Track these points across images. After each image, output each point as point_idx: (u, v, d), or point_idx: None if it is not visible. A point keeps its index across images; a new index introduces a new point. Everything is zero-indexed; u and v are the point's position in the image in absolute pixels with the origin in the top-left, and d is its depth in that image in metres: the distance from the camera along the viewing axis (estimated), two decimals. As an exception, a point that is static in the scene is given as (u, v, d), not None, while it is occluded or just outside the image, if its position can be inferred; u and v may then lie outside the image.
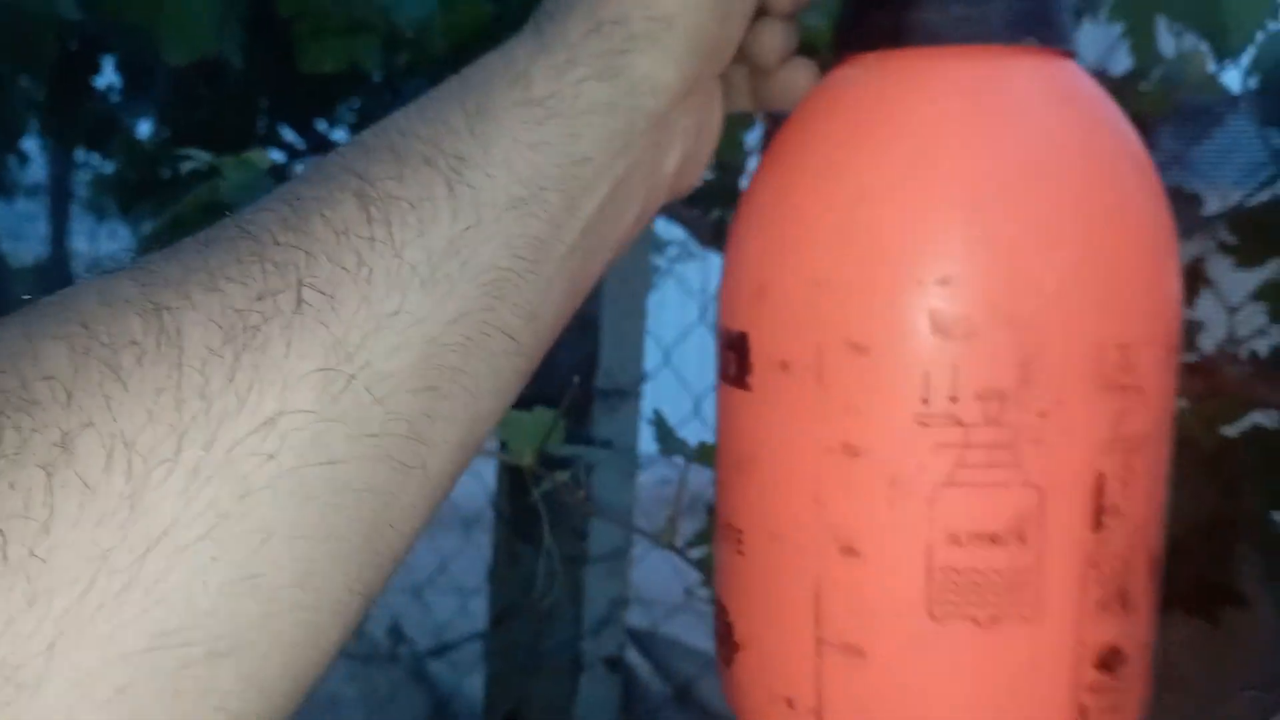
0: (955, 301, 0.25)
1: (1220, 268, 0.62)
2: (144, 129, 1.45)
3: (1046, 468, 0.25)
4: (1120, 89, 0.60)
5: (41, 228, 2.51)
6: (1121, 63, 0.64)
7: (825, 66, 0.30)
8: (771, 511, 0.27)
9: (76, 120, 1.43)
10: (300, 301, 0.21)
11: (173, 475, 0.19)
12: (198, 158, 0.73)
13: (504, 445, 0.54)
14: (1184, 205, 0.64)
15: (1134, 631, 0.27)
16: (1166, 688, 0.70)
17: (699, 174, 0.29)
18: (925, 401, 0.25)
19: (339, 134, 1.39)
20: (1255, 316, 0.62)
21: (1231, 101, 0.65)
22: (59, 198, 2.26)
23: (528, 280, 0.24)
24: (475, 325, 0.23)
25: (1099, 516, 0.25)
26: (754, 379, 0.27)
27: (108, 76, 1.40)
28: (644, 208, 0.27)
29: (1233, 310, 0.62)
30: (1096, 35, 0.67)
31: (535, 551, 0.71)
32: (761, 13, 0.29)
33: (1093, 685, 0.26)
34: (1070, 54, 0.28)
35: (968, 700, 0.26)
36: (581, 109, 0.25)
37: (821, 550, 0.26)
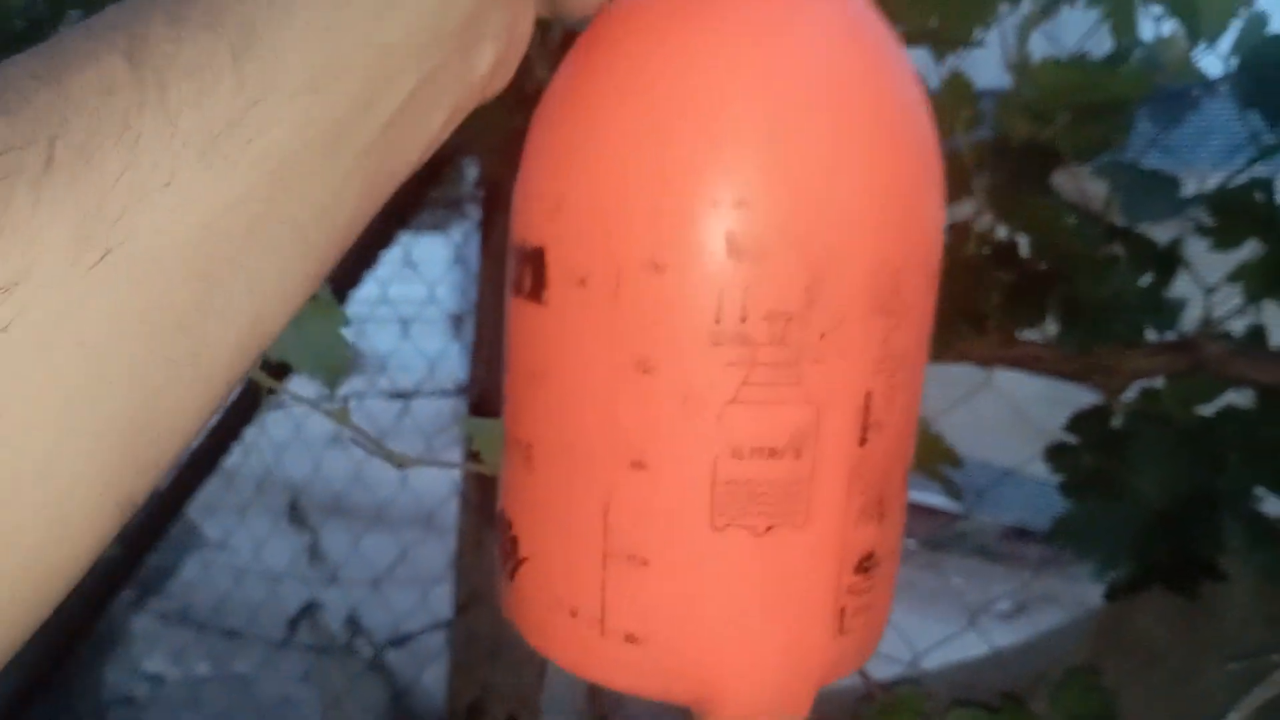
0: (750, 224, 0.25)
1: (1197, 249, 0.63)
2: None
3: (824, 386, 0.26)
4: (1102, 72, 0.61)
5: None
6: (1101, 46, 0.65)
7: None
8: (563, 426, 0.27)
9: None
10: (51, 160, 0.19)
11: None
12: None
13: (475, 455, 0.52)
14: (1162, 187, 0.65)
15: (887, 536, 0.28)
16: (1140, 663, 0.71)
17: (508, 77, 0.28)
18: (718, 321, 0.25)
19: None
20: (1232, 297, 0.63)
21: (1209, 86, 0.66)
22: None
23: (321, 172, 0.23)
24: (259, 213, 0.21)
25: (865, 431, 0.27)
26: (550, 294, 0.27)
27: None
28: (453, 110, 0.26)
29: (1210, 291, 0.63)
30: (1075, 19, 0.67)
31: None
32: None
33: (851, 588, 0.28)
34: None
35: (742, 605, 0.27)
36: None
37: (612, 464, 0.27)
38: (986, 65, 0.70)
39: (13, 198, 0.18)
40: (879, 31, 0.28)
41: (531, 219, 0.28)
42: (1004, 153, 0.57)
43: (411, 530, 1.40)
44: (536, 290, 0.28)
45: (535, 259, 0.28)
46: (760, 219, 0.25)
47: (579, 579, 0.28)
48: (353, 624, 1.30)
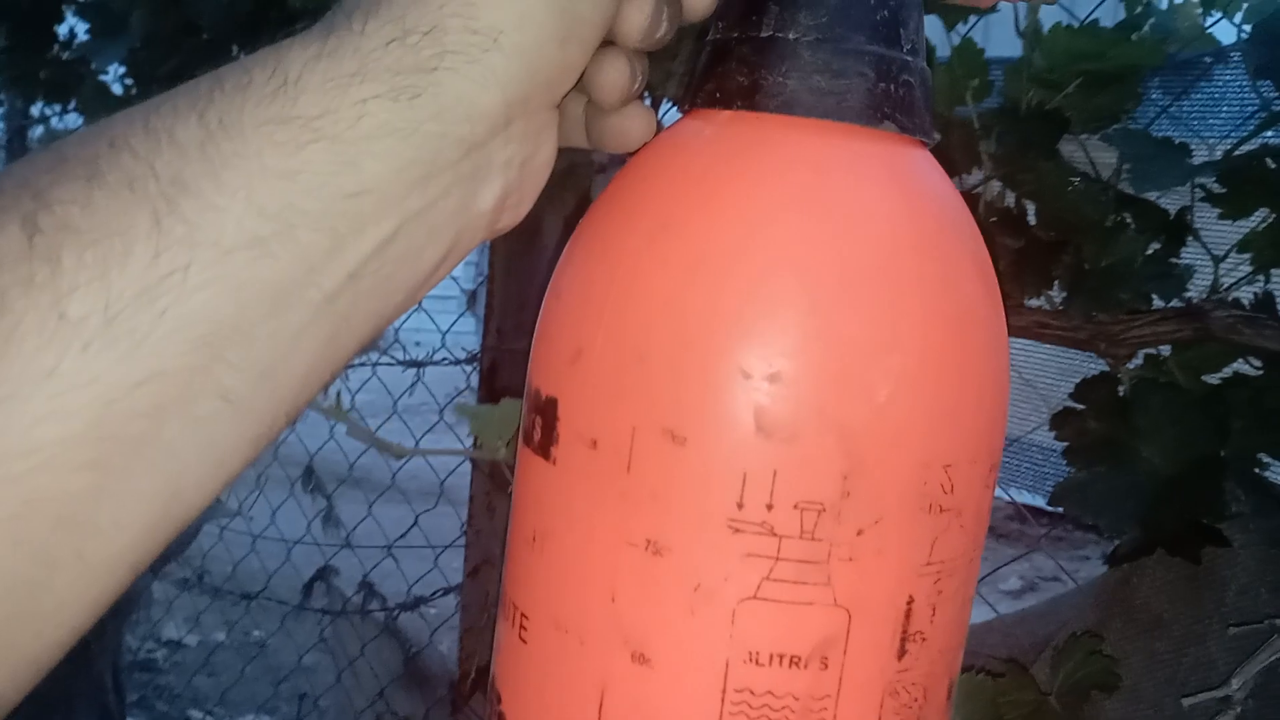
0: (783, 400, 0.23)
1: (1208, 217, 0.63)
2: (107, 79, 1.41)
3: (857, 589, 0.23)
4: (1113, 40, 0.61)
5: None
6: (1114, 15, 0.65)
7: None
8: (561, 600, 0.25)
9: (38, 70, 1.38)
10: None
11: None
12: None
13: (476, 442, 0.52)
14: (1172, 156, 0.65)
15: None
16: (1143, 630, 0.71)
17: (524, 211, 0.26)
18: (740, 505, 0.23)
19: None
20: (1241, 266, 0.63)
21: (1220, 54, 0.66)
22: (18, 152, 2.21)
23: (260, 334, 0.20)
24: (175, 389, 0.20)
25: (904, 643, 0.24)
26: (559, 451, 0.25)
27: (68, 28, 1.36)
28: (453, 247, 0.24)
29: (1219, 259, 0.63)
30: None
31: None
32: (608, 43, 0.25)
33: None
34: (926, 145, 0.26)
35: None
36: (364, 133, 0.21)
37: (611, 652, 0.24)
38: (1000, 34, 0.70)
39: None
40: (946, 195, 0.26)
41: (547, 364, 0.26)
42: (1012, 119, 0.57)
43: (423, 501, 1.42)
44: (545, 445, 0.25)
45: (547, 410, 0.25)
46: (795, 396, 0.23)
47: None
48: (367, 588, 1.32)
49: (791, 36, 0.25)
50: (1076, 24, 0.63)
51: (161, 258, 0.19)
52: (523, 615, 0.26)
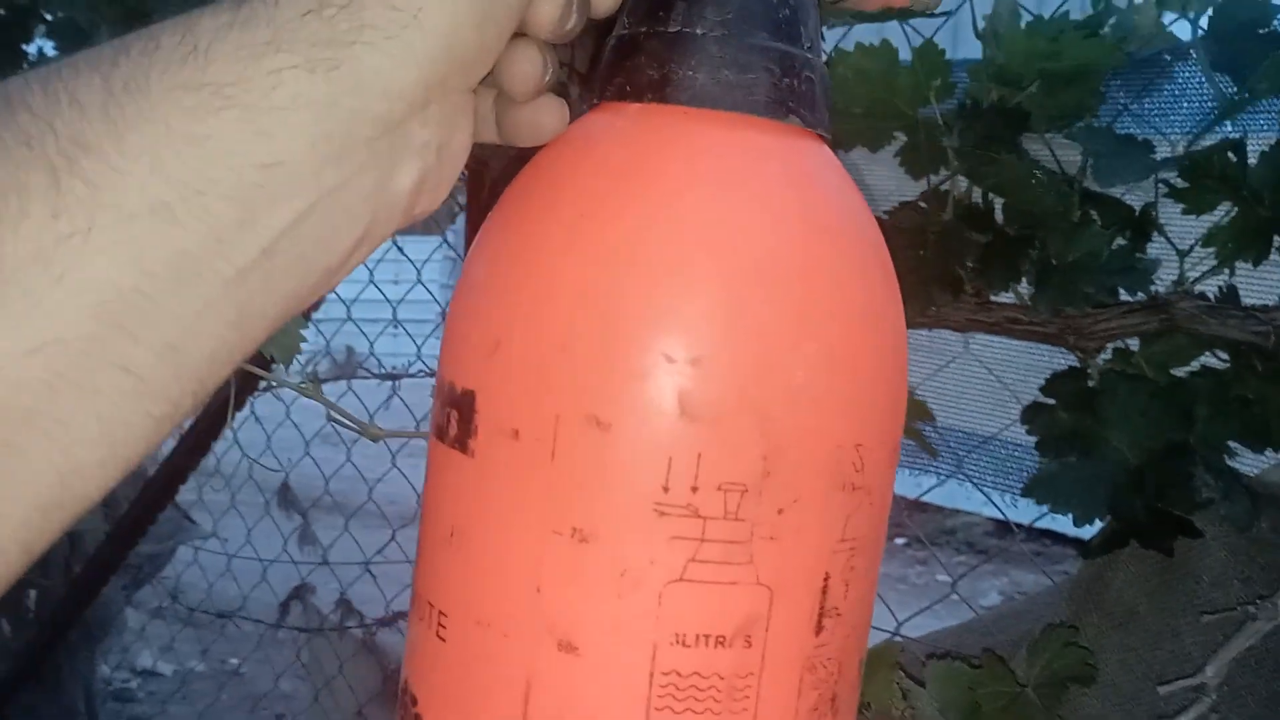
0: (705, 384, 0.23)
1: (1172, 212, 0.64)
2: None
3: (779, 566, 0.24)
4: (1072, 40, 0.62)
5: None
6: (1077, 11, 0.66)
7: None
8: (483, 595, 0.25)
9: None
10: None
11: None
12: None
13: None
14: (1135, 151, 0.66)
15: None
16: (1118, 624, 0.72)
17: (441, 197, 0.25)
18: (666, 489, 0.23)
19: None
20: (1206, 260, 0.64)
21: (1179, 51, 0.67)
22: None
23: (165, 305, 0.20)
24: (71, 358, 0.19)
25: (821, 619, 0.24)
26: (477, 444, 0.25)
27: (36, 48, 1.35)
28: (369, 229, 0.23)
29: (1184, 254, 0.64)
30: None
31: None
32: (519, 34, 0.25)
33: None
34: (825, 140, 0.27)
35: None
36: (279, 103, 0.20)
37: (536, 643, 0.24)
38: (968, 37, 0.71)
39: None
40: (848, 187, 0.27)
41: (463, 358, 0.26)
42: (974, 114, 0.58)
43: (398, 519, 1.41)
44: (462, 438, 0.25)
45: (463, 403, 0.25)
46: (717, 379, 0.23)
47: None
48: (344, 605, 1.30)
49: (699, 31, 0.25)
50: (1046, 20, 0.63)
51: (60, 219, 0.18)
52: (440, 613, 0.25)
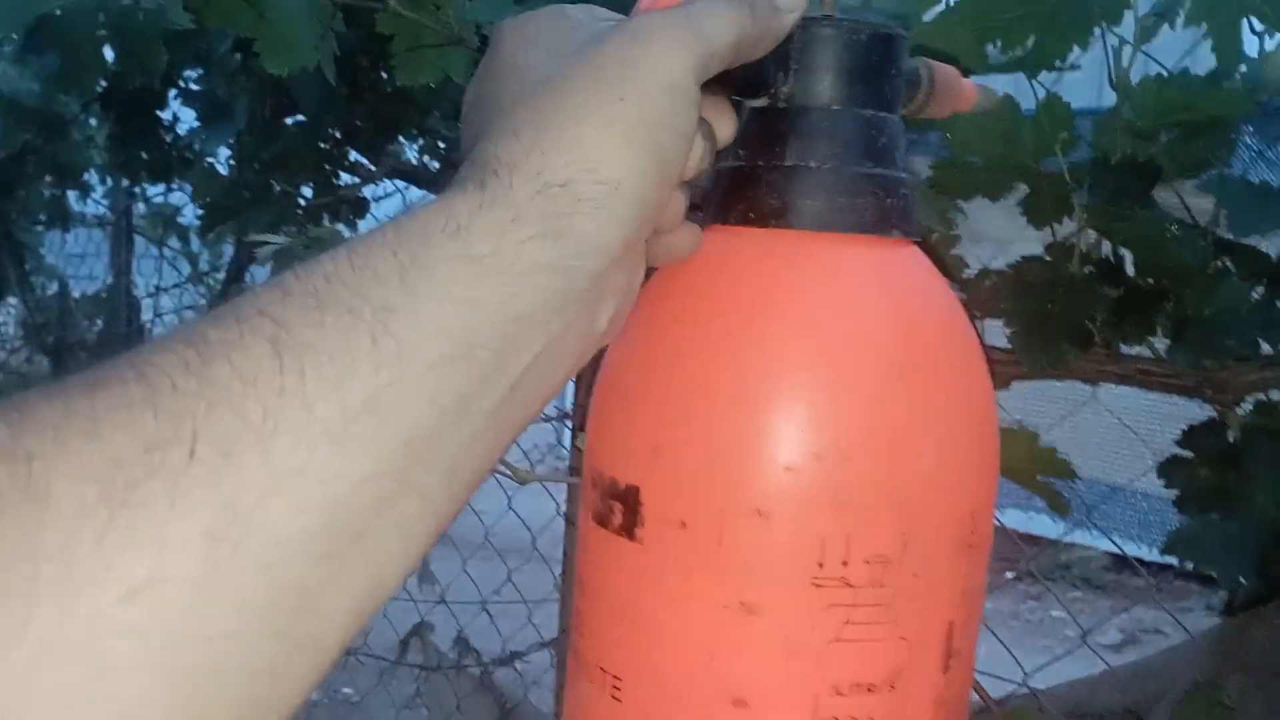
0: (851, 476, 0.27)
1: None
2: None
3: (915, 622, 0.28)
4: (1203, 91, 0.61)
5: (95, 261, 2.58)
6: (1201, 63, 0.65)
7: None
8: (659, 661, 0.28)
9: (142, 153, 1.46)
10: (192, 456, 0.19)
11: (16, 652, 0.17)
12: (273, 241, 0.77)
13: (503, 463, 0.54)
14: (1270, 200, 0.65)
15: None
16: (1262, 682, 0.69)
17: (621, 324, 0.29)
18: (821, 565, 0.27)
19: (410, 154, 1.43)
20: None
21: (1314, 98, 0.65)
22: (122, 229, 2.32)
23: (449, 437, 0.23)
24: (388, 486, 0.22)
25: (948, 660, 0.28)
26: (645, 533, 0.28)
27: (170, 111, 1.43)
28: (577, 362, 0.27)
29: (1324, 302, 0.62)
30: (1172, 38, 0.68)
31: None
32: None
33: None
34: (916, 243, 0.31)
35: None
36: (523, 268, 0.24)
37: (711, 702, 0.27)
38: (1080, 87, 0.70)
39: (152, 500, 0.19)
40: (940, 288, 0.30)
41: (623, 457, 0.29)
42: (1103, 170, 0.58)
43: (514, 558, 1.44)
44: (629, 527, 0.28)
45: (628, 498, 0.28)
46: (861, 472, 0.27)
47: None
48: (462, 644, 1.34)
49: (813, 165, 0.29)
50: (1165, 73, 0.63)
51: (380, 371, 0.22)
52: (614, 677, 0.29)
